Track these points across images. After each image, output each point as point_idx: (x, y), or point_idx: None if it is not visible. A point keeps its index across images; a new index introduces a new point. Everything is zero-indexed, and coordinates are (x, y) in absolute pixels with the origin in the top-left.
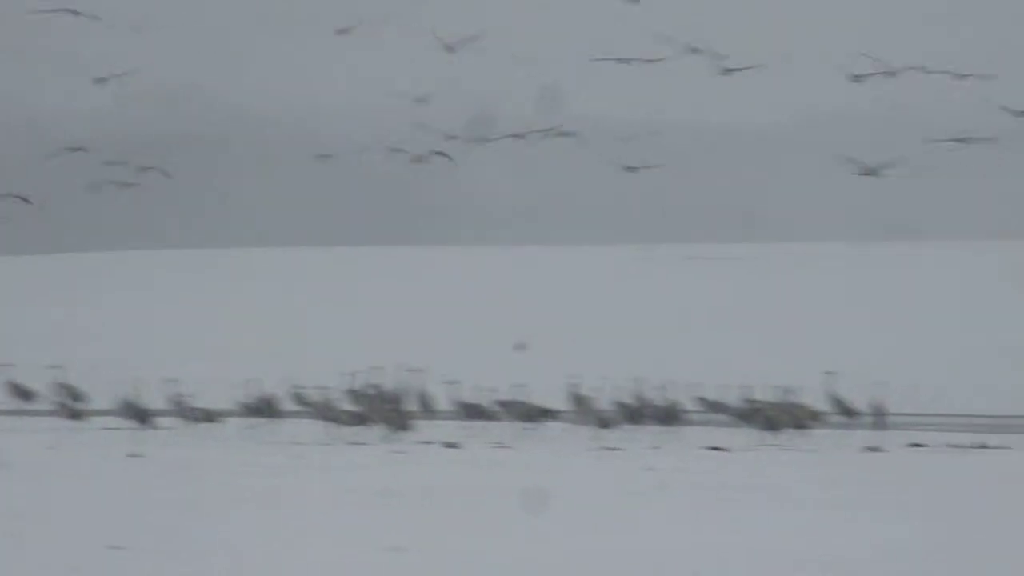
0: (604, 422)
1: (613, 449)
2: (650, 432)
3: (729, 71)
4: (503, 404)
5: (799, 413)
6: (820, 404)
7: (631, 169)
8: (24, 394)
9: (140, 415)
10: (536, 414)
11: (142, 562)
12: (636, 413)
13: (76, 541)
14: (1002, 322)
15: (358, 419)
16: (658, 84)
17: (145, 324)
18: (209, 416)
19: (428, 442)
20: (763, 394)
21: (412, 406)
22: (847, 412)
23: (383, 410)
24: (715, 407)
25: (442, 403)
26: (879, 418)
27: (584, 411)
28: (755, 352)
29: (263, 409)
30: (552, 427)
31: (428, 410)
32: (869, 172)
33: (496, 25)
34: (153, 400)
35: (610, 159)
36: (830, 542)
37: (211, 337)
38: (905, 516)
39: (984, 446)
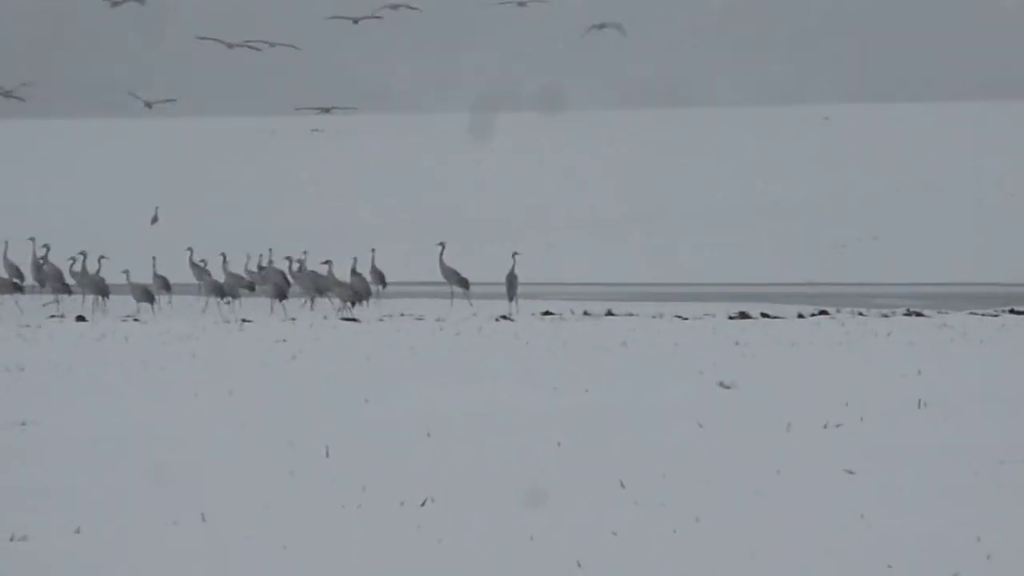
0: (226, 293)
1: (246, 320)
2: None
3: None
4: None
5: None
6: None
7: None
8: None
9: None
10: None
11: None
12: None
13: None
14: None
15: None
16: None
17: None
18: None
19: (59, 316)
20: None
21: None
22: (462, 282)
23: None
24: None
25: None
26: (509, 288)
27: (208, 282)
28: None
29: None
30: (180, 300)
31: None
32: None
33: None
34: None
35: None
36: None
37: None
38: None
39: (611, 313)
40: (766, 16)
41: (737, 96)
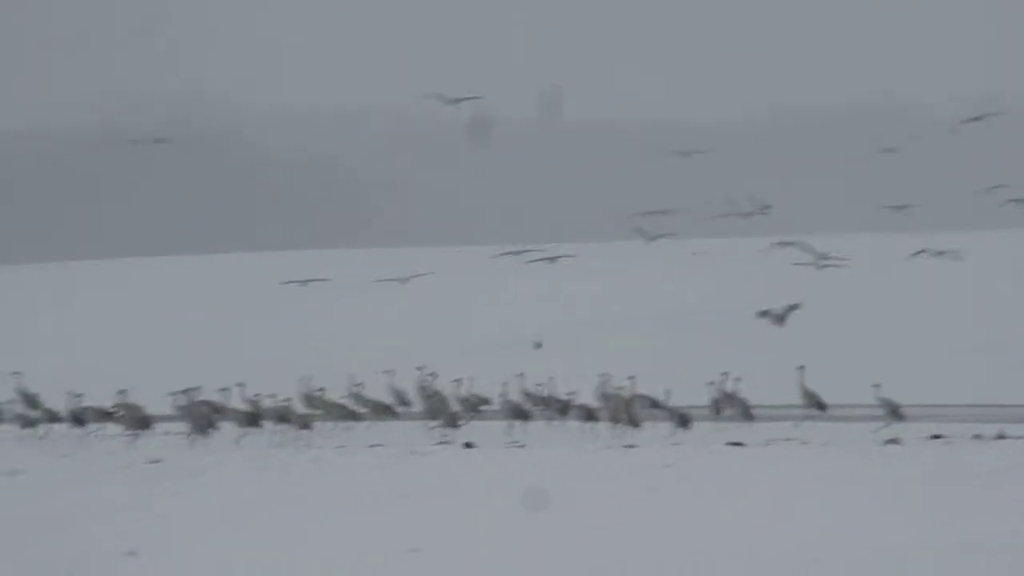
0: (631, 420)
1: (630, 446)
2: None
3: None
4: (537, 400)
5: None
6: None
7: None
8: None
9: (143, 422)
10: (561, 410)
11: (159, 567)
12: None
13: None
14: None
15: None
16: None
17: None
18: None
19: (446, 442)
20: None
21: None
22: (819, 406)
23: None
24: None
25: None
26: (893, 410)
27: (611, 408)
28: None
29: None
30: (569, 425)
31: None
32: None
33: None
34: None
35: None
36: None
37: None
38: (937, 510)
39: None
40: None
41: None
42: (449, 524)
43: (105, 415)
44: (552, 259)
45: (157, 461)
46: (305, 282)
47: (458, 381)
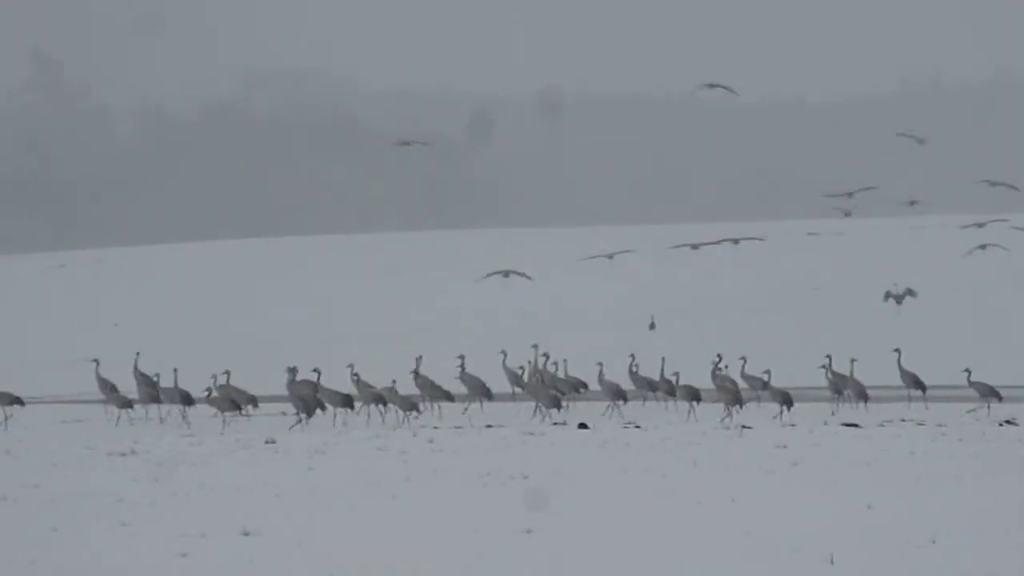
0: (738, 400)
1: (745, 427)
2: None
3: None
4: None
5: None
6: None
7: None
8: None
9: (235, 404)
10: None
11: (273, 546)
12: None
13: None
14: None
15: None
16: None
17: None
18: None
19: (560, 423)
20: None
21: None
22: (919, 386)
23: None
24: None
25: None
26: (988, 391)
27: (721, 388)
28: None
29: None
30: (675, 406)
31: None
32: None
33: None
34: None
35: None
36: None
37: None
38: None
39: None
40: None
41: None
42: (567, 505)
43: (190, 397)
44: (735, 241)
45: (273, 441)
46: (507, 273)
47: (555, 364)
